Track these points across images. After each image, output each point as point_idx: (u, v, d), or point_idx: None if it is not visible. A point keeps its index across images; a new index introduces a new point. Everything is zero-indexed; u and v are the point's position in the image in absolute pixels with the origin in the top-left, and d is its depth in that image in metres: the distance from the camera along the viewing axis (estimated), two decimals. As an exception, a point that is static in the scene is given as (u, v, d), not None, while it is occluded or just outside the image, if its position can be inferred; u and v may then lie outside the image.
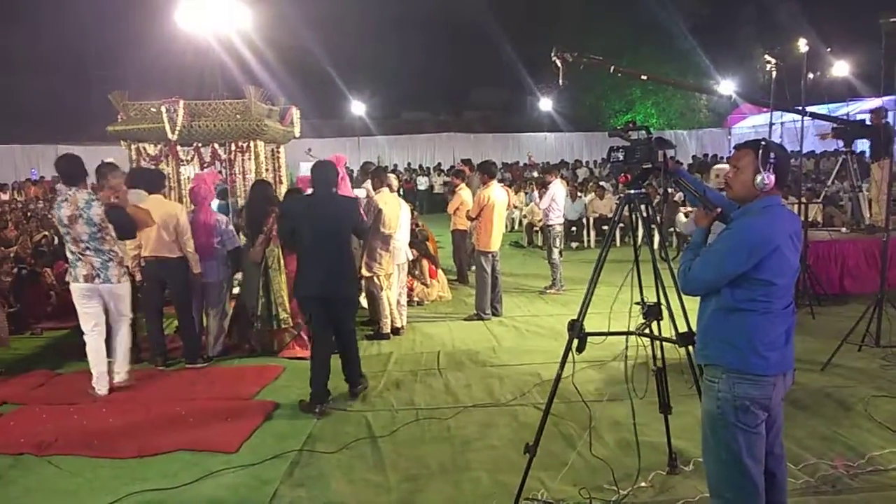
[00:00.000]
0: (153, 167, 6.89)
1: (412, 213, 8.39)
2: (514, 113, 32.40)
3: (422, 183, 23.19)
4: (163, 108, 6.84)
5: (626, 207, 3.37)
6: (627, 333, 3.44)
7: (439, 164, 24.73)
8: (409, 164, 25.57)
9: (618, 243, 11.08)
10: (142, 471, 3.95)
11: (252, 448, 4.22)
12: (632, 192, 3.29)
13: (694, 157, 23.86)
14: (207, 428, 4.50)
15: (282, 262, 6.06)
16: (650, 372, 3.57)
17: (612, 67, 7.27)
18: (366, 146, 26.00)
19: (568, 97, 29.25)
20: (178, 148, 7.10)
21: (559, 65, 6.36)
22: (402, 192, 10.45)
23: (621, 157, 3.27)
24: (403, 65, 30.05)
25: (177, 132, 6.88)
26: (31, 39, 25.00)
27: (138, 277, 5.94)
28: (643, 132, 3.27)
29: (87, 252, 5.07)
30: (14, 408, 5.05)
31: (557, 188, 8.82)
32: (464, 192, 9.34)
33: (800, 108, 7.83)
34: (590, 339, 3.36)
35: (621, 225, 6.12)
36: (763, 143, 2.63)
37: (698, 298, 2.76)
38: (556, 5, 28.57)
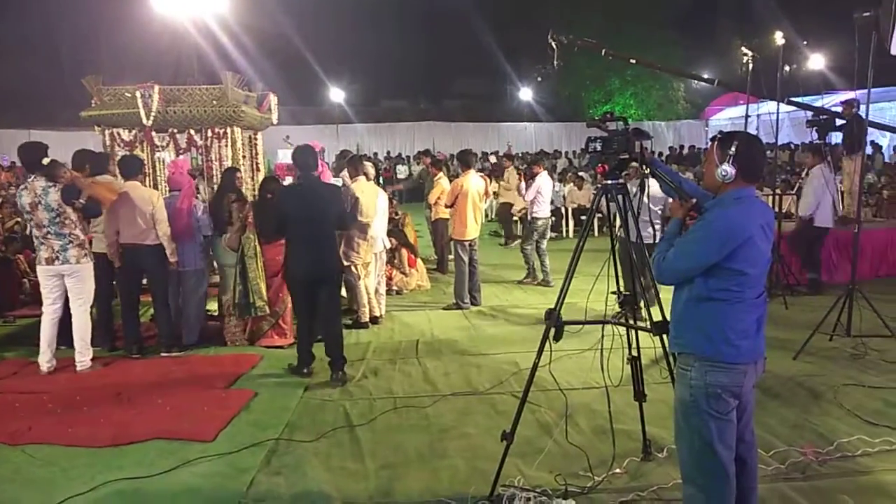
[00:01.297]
0: (129, 153, 6.79)
1: (391, 202, 8.37)
2: (495, 102, 32.40)
3: (401, 172, 23.09)
4: (137, 93, 6.72)
5: (604, 198, 3.40)
6: (603, 322, 3.49)
7: (419, 152, 24.66)
8: (388, 152, 25.45)
9: (596, 233, 11.16)
10: (117, 459, 3.91)
11: (229, 437, 4.21)
12: (609, 182, 3.32)
13: (671, 147, 24.09)
14: (184, 416, 4.47)
15: (258, 249, 6.01)
16: (625, 360, 3.62)
17: (604, 50, 7.36)
18: (345, 134, 25.81)
19: (547, 87, 29.31)
20: (154, 134, 6.98)
21: (554, 47, 6.43)
22: (381, 181, 10.42)
23: (599, 148, 3.30)
24: (383, 52, 29.87)
25: (152, 118, 6.76)
26: (1, 22, 24.36)
27: (117, 264, 5.86)
28: (621, 123, 3.29)
29: (49, 236, 5.27)
30: (-15, 397, 4.98)
31: (544, 180, 8.69)
32: (443, 181, 9.34)
33: (778, 97, 7.95)
34: (567, 327, 3.40)
35: (599, 215, 6.16)
36: (720, 135, 2.70)
37: (672, 288, 2.80)
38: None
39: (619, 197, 3.31)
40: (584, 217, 12.64)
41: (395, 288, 8.30)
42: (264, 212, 5.85)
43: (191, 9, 8.74)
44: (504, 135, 26.74)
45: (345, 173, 7.23)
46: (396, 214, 9.26)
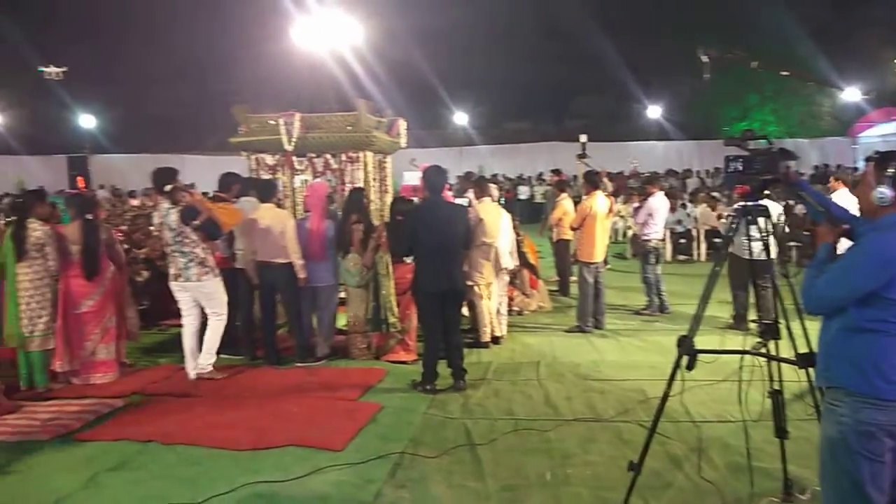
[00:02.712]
0: (271, 177, 7.29)
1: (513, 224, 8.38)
2: (620, 121, 31.71)
3: (522, 193, 23.16)
4: (281, 121, 7.21)
5: (743, 220, 3.25)
6: (742, 352, 3.31)
7: (541, 173, 24.55)
8: (503, 175, 25.45)
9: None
10: (256, 463, 4.16)
11: (357, 447, 4.36)
12: (749, 204, 3.17)
13: (816, 167, 22.43)
14: (316, 425, 4.69)
15: (390, 268, 6.25)
16: (765, 393, 3.40)
17: (756, 63, 7.10)
18: (468, 156, 26.22)
19: (678, 104, 28.35)
20: (294, 158, 7.46)
21: (705, 60, 6.31)
22: (502, 202, 10.48)
23: (740, 168, 3.16)
24: (506, 75, 30.16)
25: (293, 143, 7.23)
26: (163, 56, 27.05)
27: (255, 281, 6.29)
28: (763, 141, 3.14)
29: (175, 254, 5.66)
30: (143, 398, 5.48)
31: (657, 202, 8.25)
32: (566, 202, 9.25)
33: None
34: (700, 357, 3.25)
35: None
36: (876, 155, 2.52)
37: (818, 317, 2.62)
38: (661, 11, 27.79)
39: (760, 219, 3.15)
40: (716, 239, 12.06)
41: (515, 308, 8.27)
42: (395, 232, 6.08)
43: (329, 42, 9.30)
44: (630, 154, 25.96)
45: (470, 194, 7.34)
46: (518, 235, 9.26)
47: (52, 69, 25.93)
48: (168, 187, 5.68)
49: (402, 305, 6.30)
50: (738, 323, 6.66)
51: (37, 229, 5.57)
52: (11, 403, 5.16)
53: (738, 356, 3.37)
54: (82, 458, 4.31)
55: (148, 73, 27.47)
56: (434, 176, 5.57)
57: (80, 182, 20.25)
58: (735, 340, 3.35)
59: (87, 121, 27.73)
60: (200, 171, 18.97)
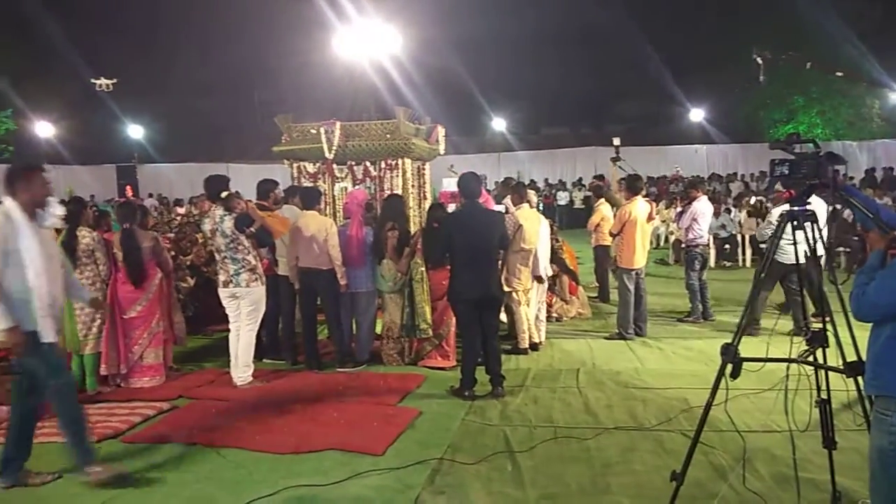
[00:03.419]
0: (312, 184, 7.40)
1: (551, 229, 8.35)
2: (661, 125, 31.30)
3: (561, 198, 23.04)
4: (321, 130, 7.32)
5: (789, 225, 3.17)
6: (788, 360, 3.23)
7: (580, 178, 24.39)
8: (546, 179, 25.38)
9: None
10: (297, 466, 4.22)
11: (396, 452, 4.39)
12: (796, 208, 3.10)
13: (867, 171, 21.73)
14: (356, 430, 4.73)
15: (425, 274, 6.28)
16: (813, 403, 3.32)
17: (809, 63, 6.99)
18: (506, 162, 26.21)
19: (721, 107, 27.84)
20: (334, 166, 7.57)
21: (759, 62, 6.23)
22: (541, 208, 10.52)
23: (786, 172, 3.10)
24: (544, 80, 30.07)
25: (333, 151, 7.34)
26: (209, 68, 27.73)
27: (296, 286, 6.38)
28: (810, 145, 3.07)
29: (226, 260, 5.75)
30: (188, 401, 5.60)
31: (702, 206, 8.11)
32: (604, 208, 9.17)
33: None
34: (745, 365, 3.18)
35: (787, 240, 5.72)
36: None
37: (867, 325, 2.55)
38: (703, 13, 27.33)
39: (808, 225, 3.07)
40: (762, 245, 11.80)
41: (554, 315, 8.23)
42: (431, 239, 6.11)
43: (368, 51, 9.43)
44: (672, 158, 25.56)
45: (507, 200, 7.34)
46: (557, 241, 9.21)
47: (103, 81, 26.86)
48: (224, 194, 5.82)
49: (440, 311, 6.33)
50: (751, 328, 6.26)
51: (86, 236, 5.76)
52: (63, 406, 5.33)
53: (785, 364, 3.29)
54: (129, 460, 4.42)
55: (194, 85, 28.20)
56: (470, 182, 5.60)
57: (129, 191, 20.90)
58: (781, 348, 3.26)
59: (135, 131, 28.62)
60: (244, 180, 19.32)
